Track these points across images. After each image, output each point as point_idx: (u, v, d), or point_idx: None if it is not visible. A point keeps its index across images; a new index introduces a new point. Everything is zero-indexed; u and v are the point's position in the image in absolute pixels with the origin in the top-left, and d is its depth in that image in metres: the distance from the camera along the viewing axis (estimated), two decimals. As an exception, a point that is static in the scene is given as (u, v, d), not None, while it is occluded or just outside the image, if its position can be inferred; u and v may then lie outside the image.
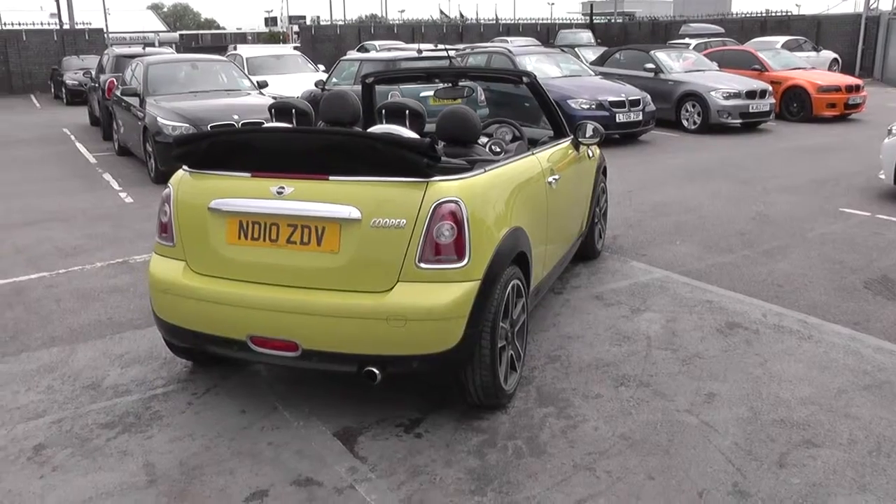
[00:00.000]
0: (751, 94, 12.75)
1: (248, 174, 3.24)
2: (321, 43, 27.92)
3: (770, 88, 13.21)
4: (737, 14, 32.44)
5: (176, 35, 49.26)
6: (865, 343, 4.22)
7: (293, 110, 3.81)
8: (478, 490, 2.85)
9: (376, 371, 3.03)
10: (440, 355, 3.04)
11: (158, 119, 8.78)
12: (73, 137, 13.74)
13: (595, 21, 37.69)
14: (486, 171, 3.35)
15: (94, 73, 14.90)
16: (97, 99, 13.22)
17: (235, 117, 8.95)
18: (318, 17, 42.58)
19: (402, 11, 67.26)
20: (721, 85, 12.88)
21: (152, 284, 3.48)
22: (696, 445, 3.18)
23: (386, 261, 3.02)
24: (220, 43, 51.39)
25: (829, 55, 21.66)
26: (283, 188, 3.11)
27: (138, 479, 2.95)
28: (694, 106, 12.93)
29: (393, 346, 3.02)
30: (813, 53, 20.81)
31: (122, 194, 8.59)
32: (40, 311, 4.91)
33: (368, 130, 3.52)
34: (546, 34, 34.90)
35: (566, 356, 4.04)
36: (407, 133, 3.54)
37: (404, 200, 3.03)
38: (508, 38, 28.86)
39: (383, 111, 3.79)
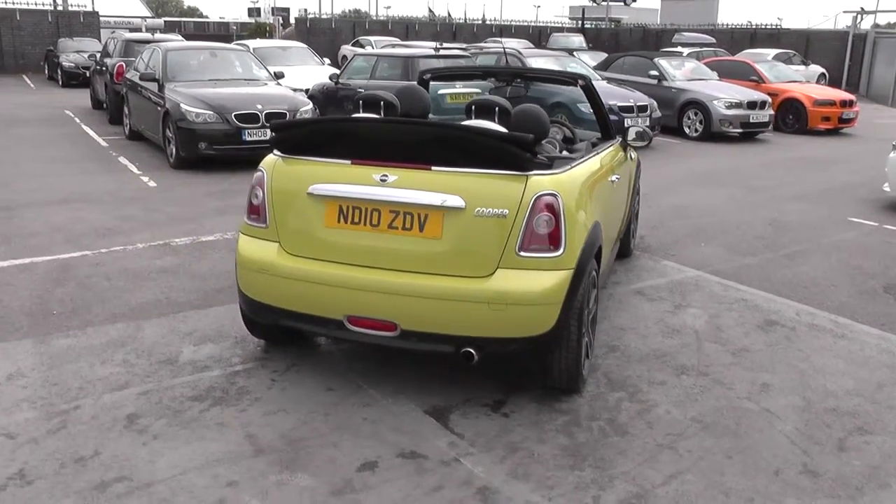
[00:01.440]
0: (752, 105, 13.11)
1: (347, 161, 3.38)
2: (315, 36, 27.96)
3: (769, 100, 13.58)
4: (727, 25, 33.05)
5: (161, 21, 48.67)
6: (895, 342, 4.48)
7: (381, 102, 3.95)
8: (575, 465, 3.03)
9: (473, 352, 3.19)
10: (535, 338, 3.22)
11: (182, 105, 8.82)
12: (77, 120, 13.67)
13: (585, 26, 38.13)
14: (572, 168, 3.53)
15: (98, 56, 14.80)
16: (104, 82, 13.14)
17: (259, 107, 9.03)
18: (306, 10, 42.37)
19: (389, 8, 67.24)
20: (723, 94, 13.22)
21: (242, 264, 3.59)
22: (762, 429, 3.39)
23: (487, 247, 3.19)
24: (202, 31, 50.90)
25: (817, 69, 22.23)
26: (386, 176, 3.26)
27: (245, 449, 3.08)
28: (696, 114, 13.26)
29: (491, 328, 3.19)
30: (802, 67, 21.32)
31: (144, 178, 8.62)
32: (93, 288, 4.99)
33: (463, 124, 3.67)
34: (538, 37, 35.24)
35: (624, 346, 4.24)
36: (497, 128, 3.70)
37: (506, 192, 3.19)
38: (501, 40, 29.04)
39: (473, 107, 3.94)
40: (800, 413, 3.56)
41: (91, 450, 3.06)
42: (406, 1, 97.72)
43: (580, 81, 4.96)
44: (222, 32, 57.29)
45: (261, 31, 52.06)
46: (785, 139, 13.95)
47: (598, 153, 4.28)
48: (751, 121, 13.13)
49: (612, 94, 12.06)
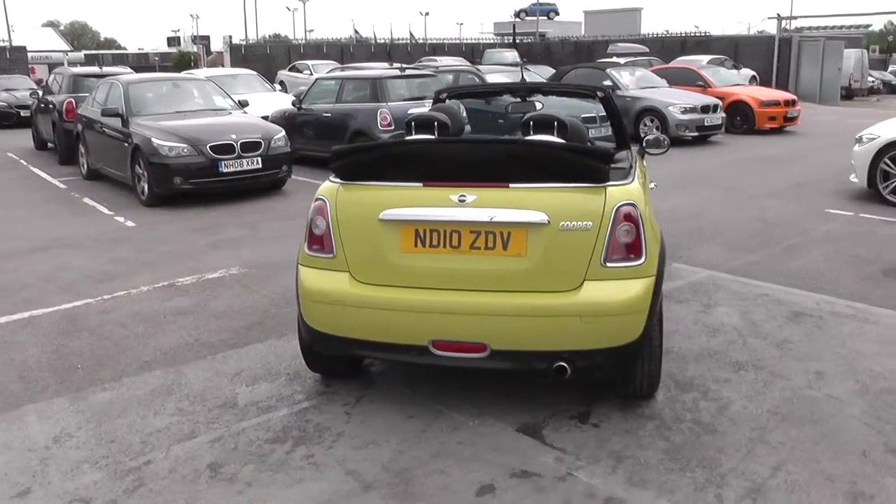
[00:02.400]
0: (705, 109, 13.61)
1: (419, 184, 3.34)
2: (250, 63, 27.52)
3: (720, 103, 14.11)
4: (657, 34, 34.13)
5: (81, 55, 47.20)
6: (915, 322, 4.70)
7: (435, 123, 3.92)
8: (685, 467, 3.05)
9: (566, 366, 3.19)
10: (623, 348, 3.23)
11: (153, 140, 8.56)
12: (24, 162, 13.06)
13: (526, 41, 38.78)
14: (634, 178, 3.58)
15: (39, 93, 14.22)
16: (51, 121, 12.62)
17: (233, 136, 8.85)
18: (231, 37, 41.84)
19: (311, 31, 66.91)
20: (677, 100, 13.67)
21: (309, 296, 3.49)
22: (834, 415, 3.50)
23: (573, 261, 3.19)
24: (122, 63, 49.59)
25: (748, 73, 23.21)
26: (464, 196, 3.23)
27: (351, 486, 2.98)
28: (653, 120, 13.66)
29: (582, 341, 3.19)
30: (735, 71, 22.22)
31: (119, 218, 8.30)
32: (111, 337, 4.76)
33: (540, 140, 3.64)
34: (471, 54, 35.64)
35: (676, 348, 4.30)
36: (558, 142, 3.72)
37: (588, 204, 3.22)
38: (437, 58, 29.24)
39: (531, 123, 3.95)
40: (860, 396, 3.68)
41: None
42: (328, 24, 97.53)
43: (599, 93, 5.04)
44: (142, 64, 55.87)
45: (185, 60, 51.12)
46: (736, 140, 14.50)
47: (635, 162, 4.35)
48: (705, 124, 13.61)
49: (574, 106, 12.26)
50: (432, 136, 3.77)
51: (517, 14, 53.14)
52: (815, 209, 8.06)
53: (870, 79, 32.15)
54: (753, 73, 23.43)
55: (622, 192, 3.28)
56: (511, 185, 3.26)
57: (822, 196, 8.76)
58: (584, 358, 3.23)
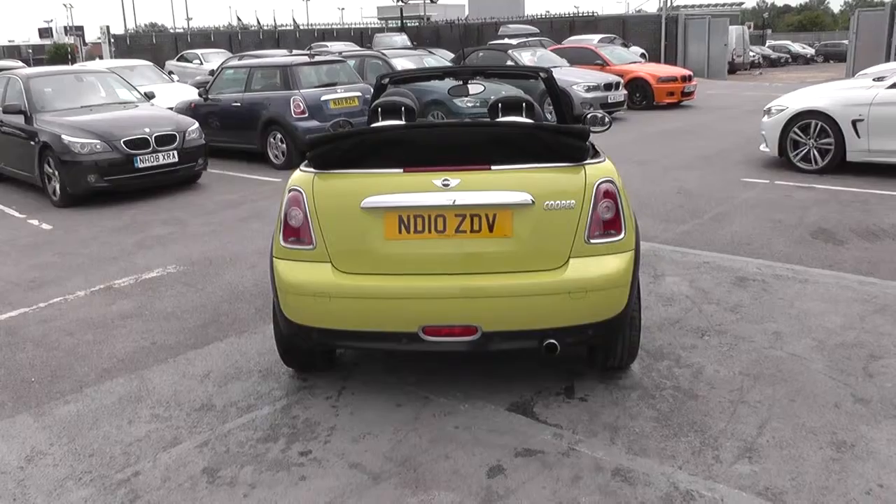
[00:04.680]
0: (608, 87, 14.03)
1: (399, 170, 3.30)
2: (137, 53, 26.22)
3: (622, 80, 14.58)
4: (541, 15, 34.81)
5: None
6: (849, 280, 5.05)
7: (402, 108, 3.86)
8: (678, 433, 3.18)
9: (556, 343, 3.24)
10: (610, 321, 3.32)
11: (63, 137, 8.03)
12: None
13: (406, 24, 38.61)
14: (604, 156, 3.66)
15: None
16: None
17: (147, 130, 8.42)
18: (109, 27, 39.69)
19: (191, 19, 64.26)
20: (580, 79, 14.02)
21: (289, 290, 3.39)
22: (801, 372, 3.73)
23: (559, 240, 3.24)
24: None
25: (637, 50, 23.99)
26: (448, 180, 3.22)
27: (360, 479, 2.94)
28: (560, 99, 13.93)
29: (571, 317, 3.25)
30: (625, 49, 22.99)
31: (33, 221, 7.77)
32: (60, 347, 4.48)
33: (520, 121, 3.63)
34: (360, 38, 35.24)
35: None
36: (530, 122, 3.74)
37: (570, 183, 3.27)
38: (327, 43, 28.74)
39: (499, 105, 3.95)
40: (819, 352, 3.94)
41: (190, 513, 2.81)
42: (208, 11, 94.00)
43: (542, 74, 5.11)
44: (13, 57, 52.06)
45: (61, 53, 48.02)
46: (638, 115, 15.05)
47: None
48: (609, 101, 14.03)
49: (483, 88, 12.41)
50: (404, 122, 3.73)
51: (399, -3, 52.71)
52: (731, 179, 8.49)
53: (751, 53, 34.05)
54: (643, 50, 24.28)
55: (600, 170, 3.35)
56: (493, 167, 3.28)
57: (734, 166, 9.23)
58: (572, 334, 3.29)
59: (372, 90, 11.56)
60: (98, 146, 8.05)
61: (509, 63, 14.88)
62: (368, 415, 3.44)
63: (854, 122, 7.94)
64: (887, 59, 20.69)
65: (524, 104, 3.93)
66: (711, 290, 4.92)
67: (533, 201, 3.20)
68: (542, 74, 5.14)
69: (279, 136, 10.30)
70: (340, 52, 14.49)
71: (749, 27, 41.84)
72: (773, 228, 6.40)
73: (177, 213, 7.89)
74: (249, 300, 5.11)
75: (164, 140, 8.52)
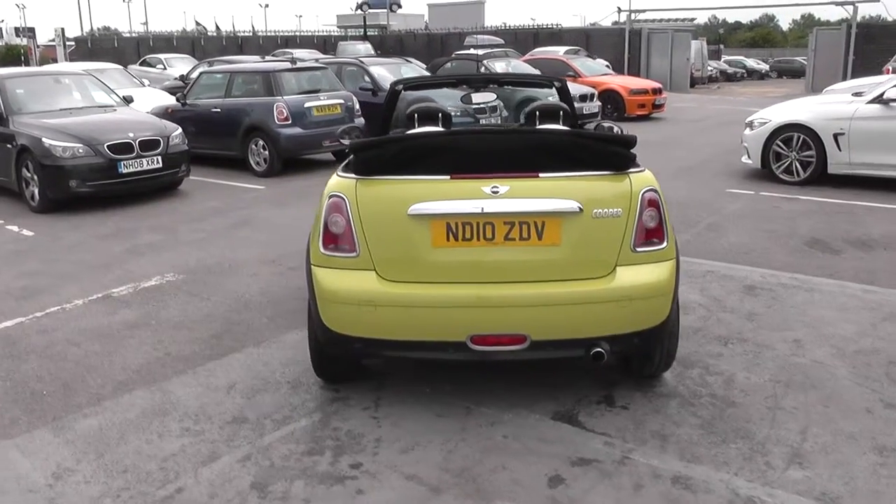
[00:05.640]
0: (583, 98, 14.19)
1: (446, 176, 3.27)
2: (98, 56, 25.63)
3: (595, 92, 14.76)
4: (504, 26, 35.08)
5: None
6: (853, 288, 5.18)
7: (440, 114, 3.82)
8: (726, 440, 3.21)
9: (604, 352, 3.24)
10: (654, 330, 3.33)
11: (44, 140, 7.75)
12: None
13: (369, 33, 38.54)
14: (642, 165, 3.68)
15: None
16: None
17: (131, 135, 8.20)
18: (63, 30, 38.73)
19: (144, 23, 63.10)
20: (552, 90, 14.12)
21: (331, 299, 3.31)
22: (828, 378, 3.80)
23: (606, 248, 3.25)
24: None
25: (601, 62, 24.36)
26: (497, 188, 3.20)
27: (420, 492, 2.89)
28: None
29: (618, 326, 3.26)
30: (593, 61, 23.30)
31: (12, 227, 7.47)
32: (68, 358, 4.31)
33: (569, 130, 3.62)
34: (323, 46, 35.04)
35: (662, 327, 4.49)
36: (580, 131, 3.74)
37: (616, 191, 3.28)
38: (290, 50, 28.46)
39: (537, 112, 3.94)
40: (840, 359, 4.02)
41: (252, 529, 2.71)
42: (163, 16, 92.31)
43: (556, 84, 5.14)
44: (-41, 59, 50.16)
45: (13, 54, 46.47)
46: (612, 126, 15.23)
47: None
48: (584, 112, 14.17)
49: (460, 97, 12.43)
50: (433, 129, 3.70)
51: (360, 6, 52.55)
52: (716, 190, 8.65)
53: (709, 68, 34.89)
54: (606, 63, 24.66)
55: (644, 179, 3.38)
56: (541, 174, 3.27)
57: (716, 177, 9.41)
58: (618, 342, 3.30)
59: (355, 98, 11.51)
60: (80, 150, 7.80)
61: (483, 70, 14.93)
62: (411, 425, 3.39)
63: (836, 136, 8.17)
64: (845, 76, 21.43)
65: (561, 112, 3.94)
66: (723, 299, 4.99)
67: (581, 209, 3.20)
68: (556, 84, 5.18)
69: (261, 142, 10.14)
70: (317, 59, 14.37)
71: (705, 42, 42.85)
72: (769, 238, 6.53)
73: (163, 220, 7.69)
74: (259, 309, 5.00)
75: (149, 145, 8.30)
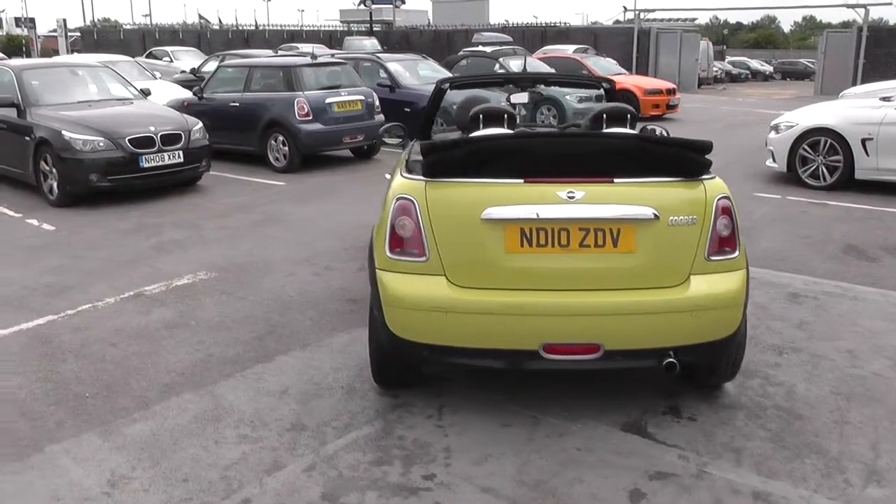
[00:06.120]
0: (598, 98, 14.08)
1: (519, 180, 3.19)
2: (105, 48, 25.40)
3: (610, 91, 14.68)
4: (509, 24, 35.00)
5: None
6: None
7: (505, 115, 3.74)
8: (799, 454, 3.14)
9: (676, 362, 3.17)
10: (725, 340, 3.27)
11: (64, 133, 7.64)
12: None
13: (374, 29, 38.38)
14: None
15: None
16: None
17: (152, 128, 8.10)
18: (65, 20, 38.52)
19: (146, 16, 62.76)
20: (572, 89, 14.06)
21: (399, 304, 3.22)
22: (890, 391, 3.74)
23: (680, 256, 3.18)
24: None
25: (611, 61, 24.29)
26: (573, 193, 3.12)
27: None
28: (549, 109, 14.00)
29: (691, 335, 3.19)
30: (605, 60, 23.21)
31: (32, 221, 7.37)
32: (107, 359, 4.22)
33: (644, 134, 3.54)
34: (329, 41, 34.89)
35: (713, 335, 4.43)
36: (657, 136, 3.67)
37: (691, 198, 3.21)
38: (298, 45, 28.31)
39: (604, 116, 3.86)
40: (897, 370, 3.98)
41: (325, 543, 2.64)
42: (162, 8, 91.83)
43: (605, 85, 5.07)
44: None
45: (14, 45, 46.15)
46: (626, 127, 15.16)
47: None
48: (599, 112, 14.11)
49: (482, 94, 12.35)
50: (528, 131, 3.62)
51: (363, 1, 52.30)
52: (743, 193, 8.56)
53: (714, 68, 34.84)
54: (614, 62, 24.58)
55: (718, 186, 3.31)
56: (616, 180, 3.20)
57: (742, 180, 9.33)
58: (690, 353, 3.23)
59: (375, 95, 11.36)
60: (101, 143, 7.69)
61: (498, 69, 14.85)
62: (479, 436, 3.31)
63: (864, 141, 8.12)
64: (855, 79, 21.41)
65: (629, 115, 3.86)
66: (769, 306, 4.93)
67: (657, 216, 3.13)
68: (605, 85, 5.10)
69: (281, 138, 10.04)
70: (332, 55, 14.25)
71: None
72: (803, 244, 6.47)
73: (185, 216, 7.59)
74: (300, 310, 4.91)
75: (170, 139, 8.20)
